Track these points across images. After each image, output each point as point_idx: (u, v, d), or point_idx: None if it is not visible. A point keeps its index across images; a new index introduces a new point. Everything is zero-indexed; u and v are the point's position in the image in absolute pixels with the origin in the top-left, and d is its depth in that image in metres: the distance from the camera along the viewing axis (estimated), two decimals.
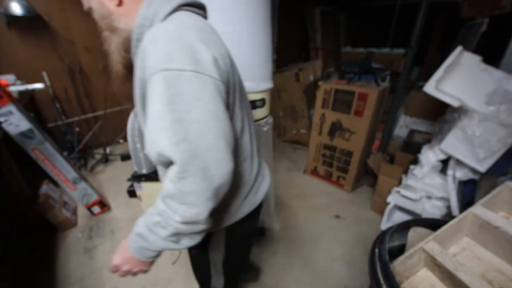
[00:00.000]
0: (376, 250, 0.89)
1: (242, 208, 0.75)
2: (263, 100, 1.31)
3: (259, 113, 1.33)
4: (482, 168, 1.38)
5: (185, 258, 1.62)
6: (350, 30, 4.92)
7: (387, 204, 1.80)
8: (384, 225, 1.84)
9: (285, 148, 3.20)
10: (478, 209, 0.91)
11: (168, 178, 0.52)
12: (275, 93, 3.08)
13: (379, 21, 4.60)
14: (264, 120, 1.39)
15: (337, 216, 2.00)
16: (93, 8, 0.61)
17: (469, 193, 1.54)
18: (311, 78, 3.04)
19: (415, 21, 1.83)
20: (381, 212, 1.90)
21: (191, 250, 0.90)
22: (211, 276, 0.95)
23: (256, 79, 1.22)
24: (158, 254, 0.62)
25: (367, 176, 2.37)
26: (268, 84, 1.31)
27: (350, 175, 2.25)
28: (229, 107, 0.59)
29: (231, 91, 0.59)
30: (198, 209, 0.52)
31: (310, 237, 1.79)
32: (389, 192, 1.81)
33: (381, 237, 0.96)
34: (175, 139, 0.48)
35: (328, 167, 2.40)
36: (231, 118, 0.61)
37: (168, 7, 0.56)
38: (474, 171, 1.47)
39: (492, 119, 1.31)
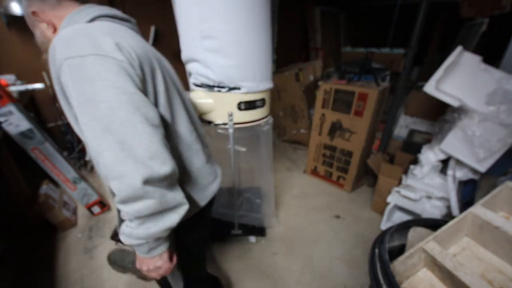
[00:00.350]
0: (376, 250, 0.89)
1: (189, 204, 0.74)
2: (263, 100, 1.31)
3: (259, 113, 1.33)
4: (482, 168, 1.38)
5: None
6: (350, 30, 4.92)
7: (387, 204, 1.80)
8: (384, 225, 1.84)
9: (285, 148, 3.20)
10: (478, 209, 0.91)
11: (96, 162, 0.55)
12: (275, 93, 3.08)
13: (379, 21, 4.60)
14: (264, 120, 1.39)
15: (337, 216, 2.00)
16: (36, 36, 0.67)
17: (469, 193, 1.54)
18: (311, 78, 3.04)
19: (415, 21, 1.83)
20: (381, 212, 1.90)
21: None
22: (169, 284, 0.90)
23: (256, 79, 1.22)
24: (151, 248, 0.61)
25: (367, 176, 2.37)
26: (268, 84, 1.31)
27: (350, 175, 2.25)
28: (147, 94, 0.59)
29: (149, 80, 0.60)
30: (127, 177, 0.50)
31: (310, 237, 1.79)
32: (389, 192, 1.81)
33: (381, 237, 0.96)
34: (85, 120, 0.51)
35: (328, 167, 2.40)
36: (155, 105, 0.62)
37: (88, 16, 0.60)
38: (474, 171, 1.47)
39: (492, 119, 1.31)
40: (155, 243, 0.60)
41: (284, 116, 3.20)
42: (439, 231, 0.86)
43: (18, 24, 2.25)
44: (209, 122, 1.32)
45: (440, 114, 1.71)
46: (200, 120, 1.36)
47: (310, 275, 1.52)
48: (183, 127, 0.71)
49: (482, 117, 1.33)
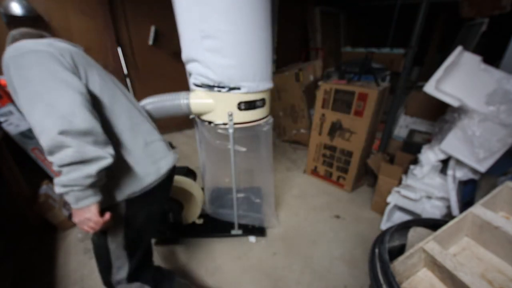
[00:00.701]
0: (376, 250, 0.89)
1: (133, 181, 0.83)
2: (263, 100, 1.31)
3: (259, 113, 1.33)
4: (482, 168, 1.38)
5: (182, 257, 1.62)
6: (350, 30, 4.92)
7: (387, 204, 1.80)
8: (384, 225, 1.84)
9: (285, 148, 3.20)
10: (478, 209, 0.91)
11: (32, 127, 0.66)
12: (275, 93, 3.08)
13: (379, 21, 4.60)
14: (264, 120, 1.39)
15: (337, 216, 2.00)
16: None
17: (469, 193, 1.54)
18: (311, 78, 3.04)
19: (415, 21, 1.83)
20: (381, 212, 1.90)
21: (92, 237, 0.88)
22: (111, 264, 0.89)
23: (256, 79, 1.22)
24: (78, 197, 0.69)
25: (367, 176, 2.37)
26: (268, 84, 1.31)
27: (350, 175, 2.25)
28: (81, 78, 0.75)
29: (81, 68, 0.76)
30: (47, 129, 0.62)
31: (310, 237, 1.79)
32: (389, 192, 1.81)
33: (381, 237, 0.96)
34: (25, 97, 0.65)
35: (328, 167, 2.40)
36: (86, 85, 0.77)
37: (10, 39, 0.81)
38: (474, 171, 1.47)
39: (492, 119, 1.31)
40: (81, 193, 0.68)
41: (284, 116, 3.20)
42: (439, 231, 0.86)
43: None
44: (209, 122, 1.32)
45: (440, 114, 1.71)
46: (200, 120, 1.37)
47: (310, 275, 1.52)
48: (122, 109, 0.86)
49: (482, 117, 1.33)
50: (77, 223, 0.73)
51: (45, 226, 1.80)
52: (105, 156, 0.68)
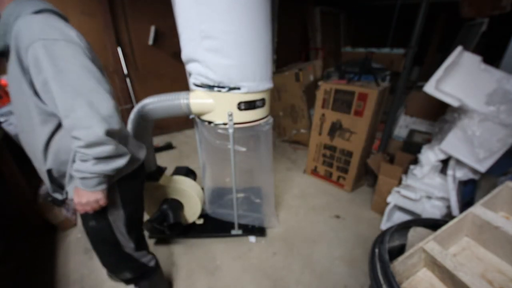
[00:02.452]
0: (376, 250, 0.89)
1: (129, 164, 0.89)
2: (263, 100, 1.31)
3: (259, 113, 1.33)
4: (482, 168, 1.38)
5: (182, 257, 1.62)
6: (350, 30, 4.92)
7: (387, 204, 1.80)
8: (384, 225, 1.84)
9: (285, 148, 3.20)
10: (478, 209, 0.91)
11: (62, 117, 0.72)
12: (275, 93, 3.08)
13: (379, 21, 4.60)
14: (264, 120, 1.39)
15: (337, 216, 2.00)
16: None
17: (469, 193, 1.54)
18: (311, 78, 3.04)
19: (415, 21, 1.83)
20: (381, 212, 1.90)
21: (89, 223, 0.93)
22: (118, 241, 0.99)
23: (256, 79, 1.22)
24: (99, 182, 0.79)
25: (367, 176, 2.37)
26: (268, 84, 1.31)
27: (350, 175, 2.25)
28: None
29: (96, 64, 0.80)
30: (94, 128, 0.70)
31: (310, 237, 1.79)
32: (389, 192, 1.81)
33: (381, 237, 0.96)
34: (59, 85, 0.69)
35: (328, 167, 2.40)
36: None
37: (35, 7, 0.74)
38: (474, 171, 1.47)
39: (492, 119, 1.31)
40: (103, 179, 0.79)
41: (284, 116, 3.20)
42: (439, 231, 0.86)
43: None
44: (209, 122, 1.32)
45: (440, 114, 1.71)
46: (200, 120, 1.37)
47: (310, 275, 1.52)
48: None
49: (482, 117, 1.33)
50: (83, 203, 0.81)
51: (45, 226, 1.80)
52: (127, 152, 0.82)
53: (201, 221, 1.75)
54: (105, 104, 0.73)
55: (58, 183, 0.88)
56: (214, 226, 1.77)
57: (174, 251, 1.67)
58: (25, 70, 0.71)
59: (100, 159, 0.74)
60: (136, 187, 1.03)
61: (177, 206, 1.55)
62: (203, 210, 1.73)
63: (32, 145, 0.83)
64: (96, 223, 0.93)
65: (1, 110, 1.48)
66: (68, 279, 1.49)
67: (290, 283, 1.47)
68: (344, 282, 1.47)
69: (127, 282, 1.16)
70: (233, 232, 1.72)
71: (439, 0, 3.20)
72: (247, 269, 1.55)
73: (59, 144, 0.82)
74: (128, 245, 1.03)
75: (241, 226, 1.74)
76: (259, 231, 1.77)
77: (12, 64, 0.73)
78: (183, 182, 1.58)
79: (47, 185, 0.88)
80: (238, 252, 1.66)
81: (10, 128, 1.52)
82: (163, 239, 1.73)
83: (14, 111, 0.83)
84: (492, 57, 1.77)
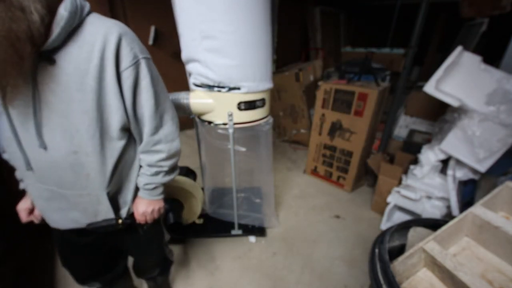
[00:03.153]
0: (376, 250, 0.89)
1: None
2: (263, 100, 1.31)
3: (259, 113, 1.33)
4: (482, 168, 1.38)
5: (182, 257, 1.62)
6: (350, 30, 4.92)
7: (387, 204, 1.80)
8: (384, 225, 1.84)
9: (285, 148, 3.20)
10: (478, 209, 0.91)
11: (149, 133, 0.75)
12: (275, 93, 3.08)
13: (379, 21, 4.60)
14: (264, 120, 1.39)
15: (337, 216, 2.00)
16: None
17: (469, 193, 1.54)
18: (311, 78, 3.04)
19: (415, 21, 1.83)
20: (381, 212, 1.90)
21: (145, 227, 0.91)
22: (164, 237, 1.06)
23: (256, 79, 1.22)
24: (162, 191, 0.85)
25: (367, 176, 2.37)
26: (268, 84, 1.31)
27: (350, 175, 2.25)
28: None
29: None
30: (176, 141, 0.81)
31: (310, 237, 1.79)
32: (389, 192, 1.81)
33: (381, 237, 0.96)
34: (156, 106, 0.73)
35: (328, 167, 2.40)
36: None
37: (86, 8, 0.63)
38: (474, 171, 1.47)
39: (492, 119, 1.31)
40: (163, 188, 0.85)
41: (284, 116, 3.20)
42: (439, 231, 0.86)
43: None
44: (209, 122, 1.32)
45: (440, 114, 1.71)
46: (200, 120, 1.37)
47: (310, 275, 1.52)
48: None
49: (482, 117, 1.33)
50: (151, 212, 0.84)
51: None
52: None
53: (201, 221, 1.75)
54: (177, 119, 0.82)
55: (115, 203, 0.79)
56: (214, 226, 1.77)
57: (174, 251, 1.66)
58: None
59: (172, 168, 0.83)
60: None
61: (177, 206, 1.55)
62: (203, 210, 1.73)
63: (87, 167, 0.69)
64: (154, 225, 0.94)
65: None
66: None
67: (290, 283, 1.47)
68: (344, 282, 1.47)
69: (150, 279, 1.20)
70: (233, 232, 1.72)
71: (439, 0, 3.20)
72: (247, 269, 1.55)
73: (127, 161, 0.77)
74: (166, 238, 1.09)
75: (241, 226, 1.74)
76: (259, 231, 1.77)
77: (95, 67, 0.61)
78: (183, 182, 1.58)
79: (101, 210, 0.76)
80: (238, 252, 1.66)
81: None
82: None
83: (57, 128, 0.63)
84: (492, 57, 1.77)
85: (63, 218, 0.78)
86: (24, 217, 0.91)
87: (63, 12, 0.55)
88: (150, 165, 0.78)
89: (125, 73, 0.65)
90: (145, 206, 0.82)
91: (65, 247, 0.91)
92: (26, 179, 0.76)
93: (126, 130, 0.73)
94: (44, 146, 0.63)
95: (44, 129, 0.62)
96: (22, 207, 0.91)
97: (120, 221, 0.79)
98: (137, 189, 0.83)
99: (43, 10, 0.51)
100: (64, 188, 0.71)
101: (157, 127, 0.75)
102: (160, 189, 0.83)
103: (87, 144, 0.66)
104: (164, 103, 0.76)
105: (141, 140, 0.77)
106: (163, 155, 0.77)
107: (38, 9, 0.50)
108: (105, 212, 0.76)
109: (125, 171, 0.78)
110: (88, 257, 0.92)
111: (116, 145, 0.71)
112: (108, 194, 0.73)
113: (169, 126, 0.78)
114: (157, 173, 0.79)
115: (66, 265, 0.94)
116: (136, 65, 0.66)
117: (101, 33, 0.61)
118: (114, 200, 0.78)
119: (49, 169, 0.67)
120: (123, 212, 0.81)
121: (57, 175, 0.68)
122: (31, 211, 0.90)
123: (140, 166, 0.81)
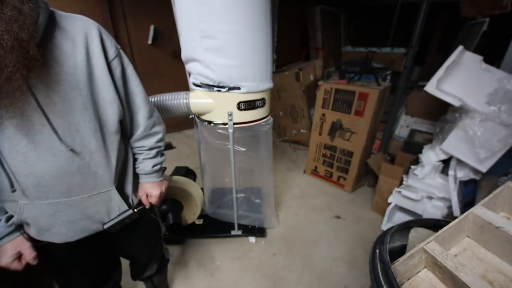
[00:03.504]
0: (377, 251, 0.89)
1: None
2: (263, 100, 1.31)
3: (259, 113, 1.33)
4: (483, 168, 1.37)
5: (182, 258, 1.62)
6: (350, 30, 4.92)
7: (387, 204, 1.79)
8: (385, 226, 1.83)
9: (285, 148, 3.19)
10: (479, 209, 0.91)
11: (146, 117, 0.81)
12: (275, 93, 3.08)
13: (380, 21, 4.59)
14: (264, 120, 1.39)
15: (338, 217, 2.00)
16: None
17: (470, 193, 1.54)
18: (311, 78, 3.04)
19: (416, 21, 1.82)
20: (382, 213, 1.89)
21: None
22: (161, 227, 1.13)
23: (256, 79, 1.21)
24: (162, 171, 0.94)
25: (368, 176, 2.37)
26: (268, 84, 1.30)
27: (351, 175, 2.25)
28: None
29: None
30: (163, 123, 0.89)
31: (310, 237, 1.79)
32: (389, 193, 1.81)
33: (382, 237, 0.96)
34: (144, 90, 0.81)
35: (328, 167, 2.39)
36: None
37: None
38: (475, 171, 1.47)
39: (493, 119, 1.30)
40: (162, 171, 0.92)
41: (284, 116, 3.19)
42: (440, 231, 0.86)
43: None
44: (209, 122, 1.31)
45: (441, 114, 1.70)
46: (200, 120, 1.36)
47: (310, 275, 1.51)
48: None
49: (483, 117, 1.33)
50: (161, 192, 0.90)
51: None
52: None
53: (200, 222, 1.74)
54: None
55: (123, 196, 0.79)
56: (213, 226, 1.76)
57: (174, 251, 1.66)
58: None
59: (164, 148, 0.90)
60: None
61: (177, 206, 1.55)
62: (202, 210, 1.73)
63: (93, 166, 0.69)
64: (150, 216, 1.00)
65: None
66: None
67: (290, 284, 1.46)
68: (344, 283, 1.46)
69: (148, 279, 1.18)
70: (233, 232, 1.72)
71: (440, 0, 3.19)
72: (247, 269, 1.55)
73: (123, 153, 0.80)
74: (162, 229, 1.17)
75: (241, 227, 1.73)
76: (259, 232, 1.76)
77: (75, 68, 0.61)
78: (183, 182, 1.58)
79: (114, 206, 0.77)
80: (238, 252, 1.66)
81: None
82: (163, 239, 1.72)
83: (66, 128, 0.62)
84: (493, 57, 1.76)
85: (72, 229, 0.74)
86: (18, 265, 0.71)
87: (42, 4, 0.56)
88: (150, 148, 0.84)
89: (113, 63, 0.68)
90: (158, 188, 0.89)
91: (58, 262, 0.84)
92: (19, 200, 0.65)
93: (120, 122, 0.74)
94: (71, 148, 0.62)
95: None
96: (8, 257, 0.69)
97: (135, 210, 0.83)
98: (135, 180, 0.86)
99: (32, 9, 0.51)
100: (73, 195, 0.69)
101: (151, 110, 0.82)
102: (161, 170, 0.92)
103: (90, 142, 0.65)
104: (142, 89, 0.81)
105: (132, 129, 0.80)
106: (160, 135, 0.85)
107: (30, 8, 0.50)
108: (118, 207, 0.78)
109: (124, 164, 0.81)
110: (82, 270, 0.87)
111: (115, 138, 0.73)
112: (117, 188, 0.76)
113: (154, 107, 0.85)
114: (158, 154, 0.87)
115: (59, 280, 0.91)
116: (119, 55, 0.70)
117: (79, 28, 0.62)
118: (121, 193, 0.79)
119: (54, 179, 0.64)
120: (130, 203, 0.84)
121: (64, 183, 0.66)
122: (19, 255, 0.71)
123: (134, 158, 0.86)
